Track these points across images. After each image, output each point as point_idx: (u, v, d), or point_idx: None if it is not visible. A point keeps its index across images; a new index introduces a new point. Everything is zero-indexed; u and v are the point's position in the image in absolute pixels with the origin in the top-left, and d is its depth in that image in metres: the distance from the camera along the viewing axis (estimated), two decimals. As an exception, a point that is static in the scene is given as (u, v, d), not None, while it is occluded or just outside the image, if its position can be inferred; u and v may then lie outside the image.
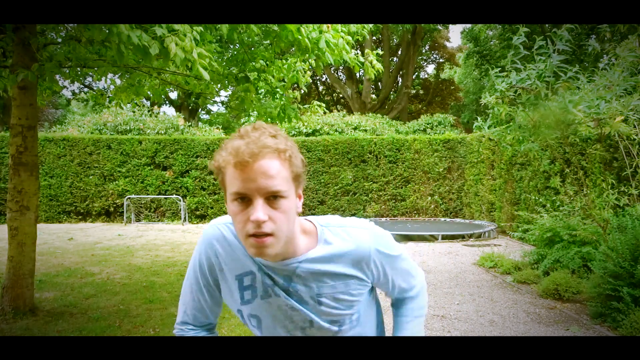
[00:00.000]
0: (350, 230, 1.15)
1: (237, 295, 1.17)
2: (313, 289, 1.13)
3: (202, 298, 1.23)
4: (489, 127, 4.51)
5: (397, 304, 1.34)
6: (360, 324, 1.23)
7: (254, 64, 4.65)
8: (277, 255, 1.07)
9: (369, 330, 1.28)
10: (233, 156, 0.97)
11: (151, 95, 5.26)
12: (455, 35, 59.55)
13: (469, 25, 17.53)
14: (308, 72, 5.26)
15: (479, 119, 4.69)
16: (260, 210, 0.97)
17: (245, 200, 0.98)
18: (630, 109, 3.60)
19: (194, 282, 1.22)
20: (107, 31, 2.79)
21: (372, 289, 1.28)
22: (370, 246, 1.15)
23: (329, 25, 3.94)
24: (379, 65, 4.77)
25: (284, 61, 4.95)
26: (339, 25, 4.13)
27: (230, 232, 1.16)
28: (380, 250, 1.17)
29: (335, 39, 3.95)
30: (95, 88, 18.44)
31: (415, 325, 1.30)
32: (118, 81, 5.46)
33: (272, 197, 0.98)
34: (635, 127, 4.07)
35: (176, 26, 2.96)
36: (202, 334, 1.26)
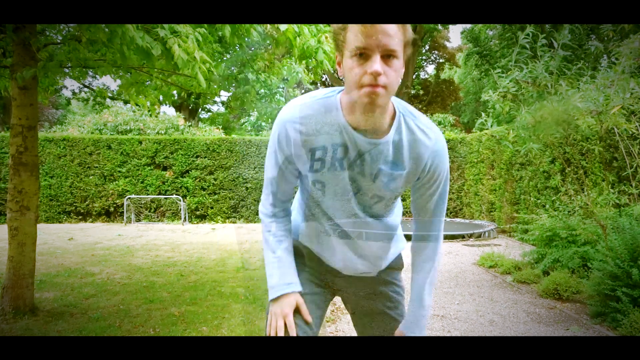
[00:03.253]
0: (425, 128, 1.32)
1: (308, 165, 1.34)
2: (374, 168, 1.30)
3: (287, 171, 1.39)
4: (491, 125, 4.50)
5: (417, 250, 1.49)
6: (393, 210, 1.47)
7: (253, 65, 4.65)
8: (375, 120, 1.23)
9: (395, 217, 1.53)
10: None
11: (153, 94, 5.24)
12: (455, 35, 59.60)
13: (469, 25, 17.52)
14: (312, 71, 5.26)
15: (483, 115, 4.67)
16: (378, 63, 1.12)
17: (363, 56, 1.13)
18: (630, 94, 3.56)
19: (280, 158, 1.37)
20: (109, 32, 2.79)
21: None
22: (433, 150, 1.32)
23: (327, 36, 3.94)
24: None
25: (285, 62, 4.95)
26: None
27: (311, 108, 1.30)
28: (438, 157, 1.33)
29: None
30: (95, 87, 18.44)
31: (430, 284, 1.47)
32: (119, 80, 5.43)
33: (387, 56, 1.13)
34: (634, 121, 4.06)
35: (178, 27, 2.96)
36: (286, 221, 1.48)
